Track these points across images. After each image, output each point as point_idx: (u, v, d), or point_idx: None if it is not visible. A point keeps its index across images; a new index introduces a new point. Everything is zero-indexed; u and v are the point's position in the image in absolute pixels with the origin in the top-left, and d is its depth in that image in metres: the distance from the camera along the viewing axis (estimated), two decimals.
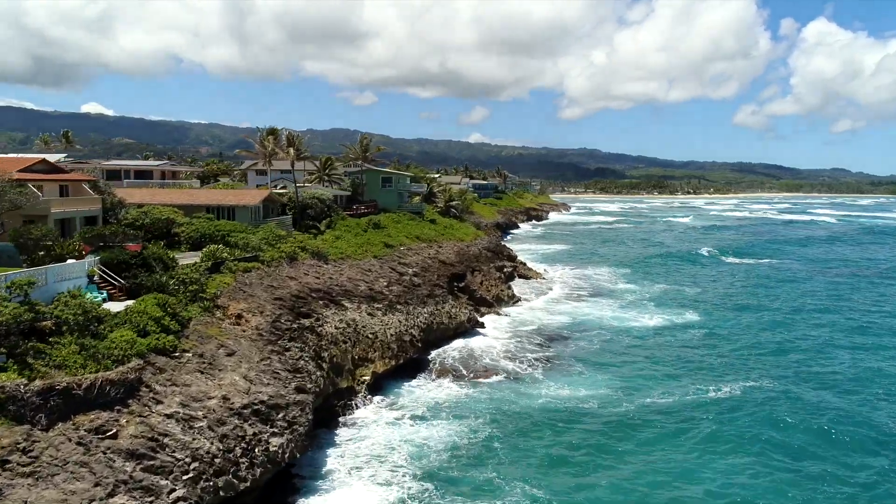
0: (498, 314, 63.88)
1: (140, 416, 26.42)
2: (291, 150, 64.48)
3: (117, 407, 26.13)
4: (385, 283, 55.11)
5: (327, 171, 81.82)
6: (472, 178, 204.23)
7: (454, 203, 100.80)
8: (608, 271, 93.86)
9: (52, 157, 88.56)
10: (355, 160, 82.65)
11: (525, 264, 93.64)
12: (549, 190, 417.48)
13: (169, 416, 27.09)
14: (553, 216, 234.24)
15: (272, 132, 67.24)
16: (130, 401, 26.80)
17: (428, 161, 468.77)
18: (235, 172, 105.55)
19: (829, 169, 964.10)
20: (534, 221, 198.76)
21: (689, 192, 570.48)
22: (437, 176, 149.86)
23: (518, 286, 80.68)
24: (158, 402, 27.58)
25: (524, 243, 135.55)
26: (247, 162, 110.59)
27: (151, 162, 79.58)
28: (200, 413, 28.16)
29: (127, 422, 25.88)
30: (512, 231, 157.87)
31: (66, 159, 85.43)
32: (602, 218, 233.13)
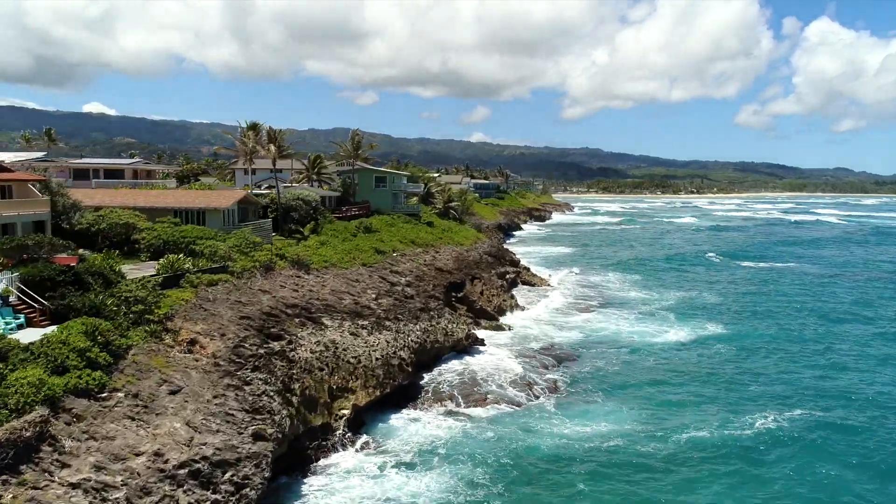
0: (500, 328, 57.48)
1: (34, 487, 20.17)
2: (272, 147, 58.14)
3: (4, 477, 19.91)
4: (373, 296, 48.78)
5: (316, 170, 75.50)
6: (473, 177, 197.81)
7: (453, 204, 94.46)
8: (618, 277, 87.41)
9: (31, 156, 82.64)
10: (346, 158, 76.30)
11: (529, 270, 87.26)
12: (551, 190, 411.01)
13: (74, 486, 20.83)
14: (556, 217, 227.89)
15: (253, 127, 60.94)
16: (25, 466, 20.57)
17: (429, 161, 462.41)
18: (227, 172, 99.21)
19: (831, 168, 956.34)
20: (537, 222, 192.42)
21: (692, 192, 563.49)
22: (436, 175, 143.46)
23: (522, 294, 74.30)
24: (64, 466, 21.32)
25: (527, 245, 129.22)
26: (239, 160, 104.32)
27: (122, 160, 73.31)
28: (119, 478, 21.89)
29: (13, 498, 19.63)
30: (514, 233, 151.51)
31: (46, 158, 79.41)
32: (606, 219, 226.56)
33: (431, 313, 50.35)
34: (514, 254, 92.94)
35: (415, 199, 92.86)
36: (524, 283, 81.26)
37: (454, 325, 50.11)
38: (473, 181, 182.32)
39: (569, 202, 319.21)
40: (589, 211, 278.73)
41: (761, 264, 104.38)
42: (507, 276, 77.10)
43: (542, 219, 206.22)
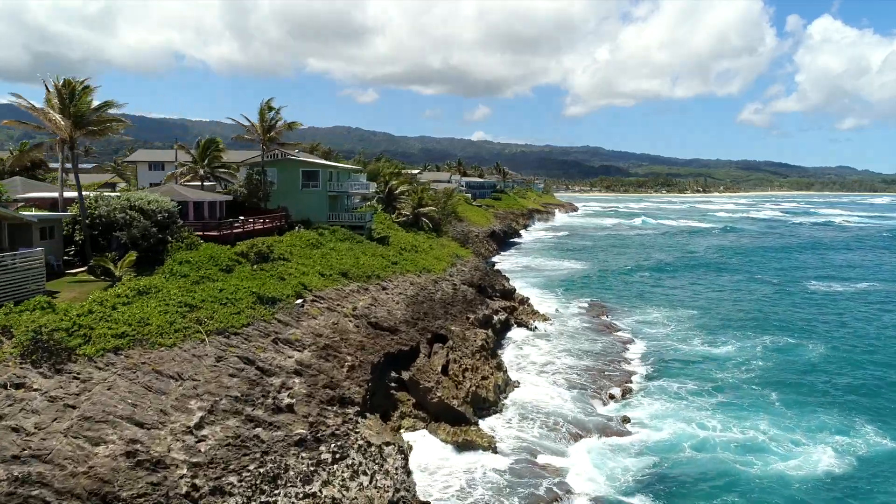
0: (473, 444, 30.68)
1: None
2: (57, 119, 31.63)
3: None
4: (195, 420, 22.33)
5: (207, 161, 48.99)
6: (466, 174, 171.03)
7: (426, 210, 67.81)
8: (662, 316, 60.02)
9: None
10: (251, 141, 49.78)
11: (528, 303, 60.48)
12: (553, 188, 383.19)
13: None
14: (560, 218, 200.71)
15: (67, 86, 34.47)
16: None
17: (430, 159, 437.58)
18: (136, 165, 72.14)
19: (834, 167, 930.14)
20: (539, 225, 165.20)
21: (698, 191, 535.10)
22: (415, 173, 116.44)
23: (515, 349, 47.77)
24: None
25: (528, 257, 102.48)
26: (142, 152, 78.77)
27: None
28: None
29: None
30: (513, 240, 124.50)
31: None
32: (616, 220, 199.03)
33: (323, 449, 23.65)
34: (508, 278, 66.12)
35: (371, 203, 66.42)
36: (520, 324, 54.66)
37: (369, 486, 23.24)
38: (466, 179, 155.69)
39: (572, 201, 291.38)
40: (594, 211, 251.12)
41: (836, 286, 77.32)
42: (495, 319, 50.46)
43: (544, 221, 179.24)
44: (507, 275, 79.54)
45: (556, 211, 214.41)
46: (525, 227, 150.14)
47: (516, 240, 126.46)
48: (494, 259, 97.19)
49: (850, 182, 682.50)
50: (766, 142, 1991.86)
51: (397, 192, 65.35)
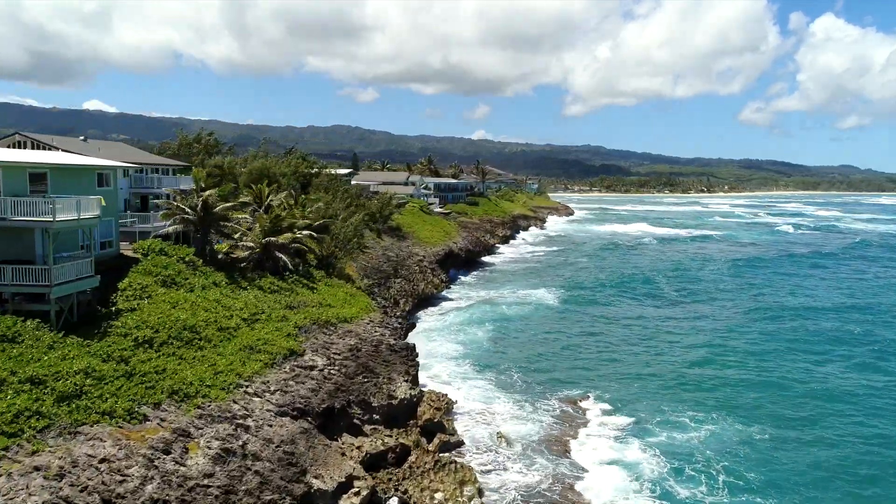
0: None
1: None
2: None
3: None
4: None
5: None
6: (438, 174, 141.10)
7: (285, 239, 37.98)
8: (701, 433, 27.90)
9: None
10: None
11: (446, 422, 30.57)
12: (549, 188, 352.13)
13: None
14: (552, 225, 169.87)
15: None
16: None
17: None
18: None
19: (837, 166, 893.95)
20: (523, 236, 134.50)
21: (702, 191, 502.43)
22: (343, 172, 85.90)
23: None
24: None
25: (492, 287, 72.65)
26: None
27: None
28: None
29: None
30: (484, 258, 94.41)
31: None
32: (616, 227, 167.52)
33: None
34: (417, 363, 35.77)
35: (173, 226, 36.57)
36: None
37: None
38: (434, 180, 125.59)
39: (570, 203, 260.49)
40: (594, 215, 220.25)
41: None
42: None
43: (534, 229, 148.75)
44: (442, 331, 49.93)
45: (549, 216, 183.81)
46: (505, 239, 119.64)
47: (488, 258, 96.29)
48: (444, 293, 67.50)
49: (856, 181, 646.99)
50: (767, 141, 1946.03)
51: (218, 209, 35.31)
